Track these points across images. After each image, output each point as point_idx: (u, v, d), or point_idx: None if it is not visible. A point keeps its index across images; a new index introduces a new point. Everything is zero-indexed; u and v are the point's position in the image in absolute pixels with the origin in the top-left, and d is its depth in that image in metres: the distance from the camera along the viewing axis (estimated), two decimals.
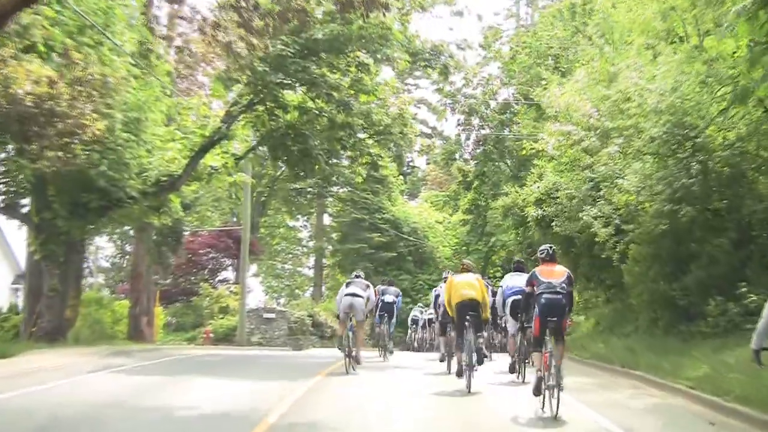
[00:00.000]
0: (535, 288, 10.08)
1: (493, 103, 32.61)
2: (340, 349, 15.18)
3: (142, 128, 21.58)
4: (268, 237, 58.93)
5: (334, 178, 26.25)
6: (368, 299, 15.67)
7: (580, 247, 20.55)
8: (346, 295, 15.39)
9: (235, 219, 56.17)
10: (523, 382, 13.43)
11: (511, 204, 24.13)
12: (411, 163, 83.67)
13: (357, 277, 16.54)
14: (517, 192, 24.88)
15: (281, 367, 18.18)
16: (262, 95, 20.73)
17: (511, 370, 14.18)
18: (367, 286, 15.99)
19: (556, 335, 9.71)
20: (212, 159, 22.81)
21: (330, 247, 57.14)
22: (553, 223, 19.90)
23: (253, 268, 67.78)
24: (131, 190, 21.36)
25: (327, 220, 61.10)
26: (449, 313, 12.91)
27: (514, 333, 14.21)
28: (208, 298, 42.83)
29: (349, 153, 23.49)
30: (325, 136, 22.11)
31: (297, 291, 65.01)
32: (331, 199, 59.08)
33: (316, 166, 21.18)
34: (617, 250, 17.10)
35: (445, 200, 39.13)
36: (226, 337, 37.15)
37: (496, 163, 31.51)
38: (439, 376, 15.01)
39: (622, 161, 14.23)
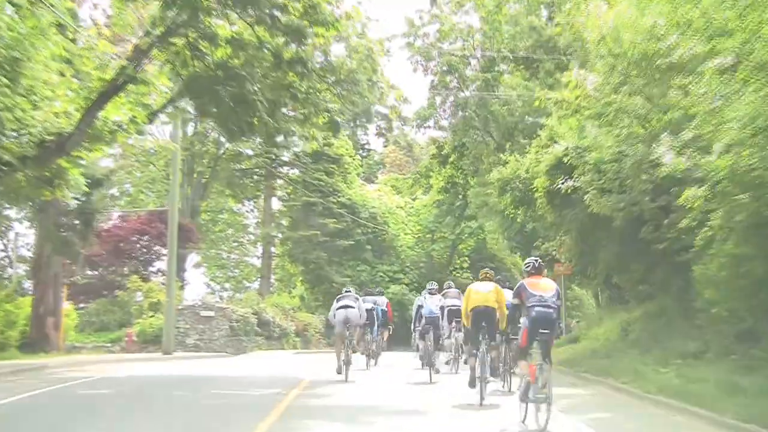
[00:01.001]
0: (524, 300, 9.82)
1: (475, 62, 27.44)
2: (338, 372, 15.51)
3: (20, 71, 15.65)
4: (210, 223, 52.91)
5: (281, 140, 20.33)
6: (360, 311, 16.06)
7: (613, 231, 15.30)
8: (339, 308, 15.80)
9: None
10: (509, 391, 13.26)
11: (511, 176, 18.76)
12: (366, 146, 78.93)
13: (347, 291, 16.95)
14: (517, 161, 19.46)
15: (196, 413, 11.55)
16: (181, 22, 14.98)
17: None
18: (356, 299, 16.37)
19: (543, 353, 9.50)
20: (116, 111, 16.95)
21: (279, 234, 51.33)
22: (587, 197, 14.49)
23: (195, 258, 61.71)
24: (3, 154, 15.49)
25: (276, 204, 55.26)
26: (465, 323, 12.70)
27: (497, 344, 13.61)
28: (137, 293, 36.87)
29: (300, 110, 17.74)
30: (268, 85, 16.44)
31: (244, 283, 59.08)
32: (281, 181, 53.21)
33: (255, 119, 15.45)
34: (698, 239, 11.65)
35: (414, 178, 33.69)
36: (157, 339, 31.36)
37: (478, 133, 26.24)
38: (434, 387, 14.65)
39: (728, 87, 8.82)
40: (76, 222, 25.36)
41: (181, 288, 39.83)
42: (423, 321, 16.54)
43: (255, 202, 54.20)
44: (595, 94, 12.89)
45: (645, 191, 13.37)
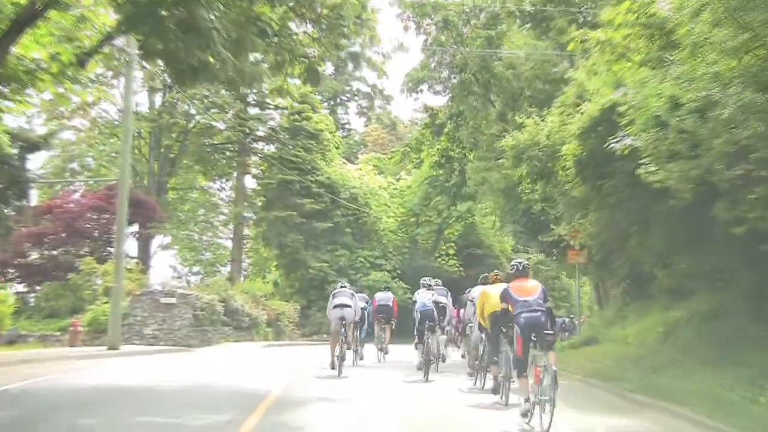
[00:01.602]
0: (510, 306, 9.75)
1: (474, 19, 23.83)
2: (332, 367, 15.51)
3: None
4: (178, 201, 49.07)
5: (249, 91, 16.61)
6: (355, 309, 16.43)
7: (666, 209, 11.79)
8: (335, 306, 16.19)
9: (138, 178, 46.04)
10: (482, 389, 13.36)
11: (529, 143, 15.18)
12: (347, 125, 75.10)
13: (342, 287, 17.25)
14: (537, 124, 15.84)
15: None
16: None
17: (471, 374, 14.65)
18: (352, 295, 16.71)
19: (545, 346, 9.09)
20: (34, 47, 13.20)
21: (252, 215, 47.57)
22: (644, 162, 10.86)
23: (163, 240, 57.84)
24: None
25: (250, 183, 51.51)
26: (483, 323, 12.44)
27: (477, 343, 14.26)
28: (93, 276, 33.09)
29: (272, 54, 14.08)
30: (232, 18, 12.75)
31: (216, 266, 55.22)
32: (255, 158, 49.41)
33: (210, 55, 11.73)
34: None
35: (403, 151, 30.00)
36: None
37: (478, 99, 22.72)
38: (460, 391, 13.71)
39: None
40: (10, 193, 21.53)
41: (142, 271, 36.10)
42: (418, 316, 15.85)
43: (227, 179, 50.31)
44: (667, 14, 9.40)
45: (724, 155, 9.89)
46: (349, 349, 16.98)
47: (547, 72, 21.53)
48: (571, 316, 48.56)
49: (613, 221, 14.60)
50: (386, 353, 20.30)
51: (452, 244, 51.36)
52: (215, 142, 47.44)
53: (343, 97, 76.01)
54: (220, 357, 23.67)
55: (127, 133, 24.36)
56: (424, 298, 16.05)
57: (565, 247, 21.29)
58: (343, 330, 16.09)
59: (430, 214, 48.02)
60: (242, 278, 55.79)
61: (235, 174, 49.16)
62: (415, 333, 16.00)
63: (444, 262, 50.34)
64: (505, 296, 9.91)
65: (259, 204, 47.11)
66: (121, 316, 23.21)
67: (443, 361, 17.19)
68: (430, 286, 17.03)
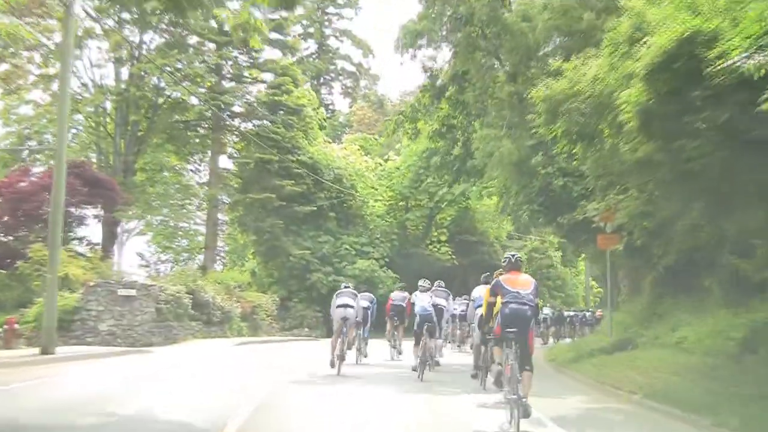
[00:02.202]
0: (500, 298, 9.50)
1: None
2: (331, 365, 15.36)
3: None
4: (147, 183, 45.10)
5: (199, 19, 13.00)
6: (357, 309, 16.57)
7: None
8: (338, 306, 16.27)
9: (102, 157, 42.08)
10: (485, 389, 13.21)
11: (567, 93, 11.50)
12: (331, 106, 71.33)
13: (346, 287, 17.23)
14: (577, 68, 12.05)
15: None
16: None
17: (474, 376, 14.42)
18: (355, 296, 16.85)
19: (521, 356, 9.00)
20: None
21: (227, 197, 43.75)
22: None
23: (133, 226, 53.88)
24: None
25: (226, 163, 47.58)
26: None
27: (478, 343, 14.11)
28: (42, 264, 29.24)
29: None
30: None
31: (188, 255, 51.33)
32: (232, 137, 45.53)
33: None
34: None
35: (396, 120, 26.23)
36: (62, 325, 23.92)
37: (486, 57, 19.00)
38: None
39: None
40: None
41: (102, 259, 32.29)
42: (417, 319, 15.80)
43: (202, 159, 46.29)
44: None
45: None
46: (349, 349, 16.86)
47: (569, 22, 17.86)
48: (591, 310, 45.57)
49: (682, 193, 11.01)
50: (400, 352, 20.29)
51: (444, 230, 47.83)
52: (187, 119, 43.47)
53: (327, 77, 72.48)
54: (182, 360, 19.99)
55: (62, 93, 20.53)
56: (423, 301, 15.97)
57: (592, 231, 17.79)
58: (344, 330, 16.10)
59: (421, 197, 44.41)
60: (220, 267, 52.12)
61: (209, 153, 45.09)
62: (413, 335, 16.05)
63: (435, 249, 46.80)
64: (495, 288, 9.71)
65: (235, 186, 43.29)
66: (56, 313, 19.37)
67: (437, 364, 16.95)
68: (426, 288, 17.03)
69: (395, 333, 20.51)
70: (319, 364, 16.29)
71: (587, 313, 39.59)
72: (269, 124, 41.41)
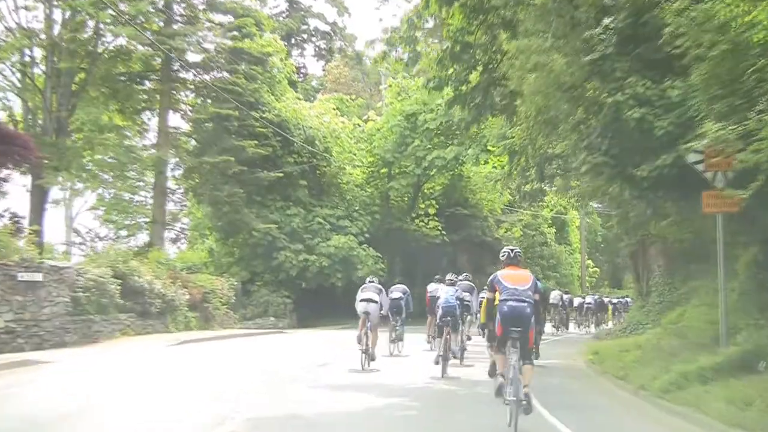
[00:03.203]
0: (498, 294, 9.22)
1: None
2: (359, 343, 15.51)
3: None
4: (86, 145, 38.23)
5: None
6: (382, 304, 16.39)
7: None
8: (361, 300, 16.25)
9: (31, 115, 35.16)
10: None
11: None
12: (303, 70, 64.94)
13: (371, 281, 17.03)
14: None
15: None
16: None
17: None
18: (380, 291, 16.61)
19: (522, 352, 8.86)
20: None
21: (177, 161, 37.09)
22: None
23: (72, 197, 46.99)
24: None
25: (178, 123, 40.64)
26: None
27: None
28: None
29: None
30: None
31: (132, 230, 44.41)
32: (186, 94, 38.71)
33: None
34: None
35: (389, 39, 19.72)
36: None
37: None
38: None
39: None
40: None
41: (15, 234, 25.66)
42: (440, 312, 15.40)
43: (150, 118, 39.21)
44: None
45: None
46: (371, 344, 15.99)
47: None
48: (627, 296, 40.92)
49: None
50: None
51: (433, 202, 41.67)
52: (132, 70, 36.62)
53: (298, 38, 66.06)
54: (85, 376, 13.71)
55: None
56: (447, 293, 15.65)
57: (689, 186, 11.78)
58: (368, 324, 15.79)
59: (407, 163, 38.12)
60: (182, 247, 45.62)
61: (157, 110, 38.08)
62: (435, 327, 16.46)
63: (423, 224, 40.71)
64: (492, 284, 9.41)
65: (189, 149, 36.71)
66: None
67: (460, 361, 16.43)
68: (453, 282, 16.70)
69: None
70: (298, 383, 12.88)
71: (628, 300, 36.79)
72: (229, 74, 34.84)
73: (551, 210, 59.26)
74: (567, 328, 34.44)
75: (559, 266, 58.49)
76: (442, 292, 15.83)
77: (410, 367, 16.49)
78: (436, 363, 14.93)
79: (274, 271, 33.99)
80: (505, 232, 48.23)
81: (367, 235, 36.72)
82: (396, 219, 40.15)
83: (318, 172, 37.62)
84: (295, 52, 63.22)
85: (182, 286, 26.05)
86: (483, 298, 11.21)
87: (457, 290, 16.01)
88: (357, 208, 37.93)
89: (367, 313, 15.85)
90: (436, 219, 40.97)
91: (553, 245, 58.78)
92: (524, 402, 8.53)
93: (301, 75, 62.14)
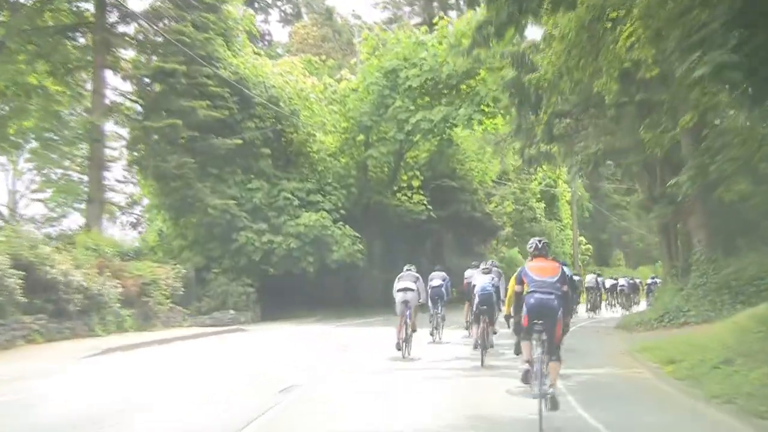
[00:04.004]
0: (525, 286, 9.06)
1: None
2: (397, 348, 15.21)
3: None
4: (9, 113, 32.56)
5: None
6: (419, 292, 16.07)
7: None
8: (398, 290, 16.03)
9: None
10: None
11: None
12: (267, 37, 59.54)
13: (408, 270, 16.60)
14: None
15: None
16: None
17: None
18: (417, 279, 16.24)
19: (548, 347, 8.65)
20: None
21: (121, 128, 31.54)
22: None
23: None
24: None
25: (117, 83, 34.91)
26: None
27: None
28: None
29: None
30: None
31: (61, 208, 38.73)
32: (126, 52, 32.97)
33: None
34: None
35: None
36: None
37: None
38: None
39: None
40: None
41: None
42: (477, 300, 15.09)
43: (87, 76, 33.41)
44: None
45: None
46: (414, 331, 15.87)
47: None
48: (654, 276, 38.11)
49: None
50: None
51: (417, 173, 36.55)
52: (63, 23, 30.90)
53: (262, 2, 60.61)
54: None
55: None
56: (483, 281, 14.86)
57: None
58: (408, 313, 15.57)
59: (387, 127, 32.93)
60: (136, 232, 40.05)
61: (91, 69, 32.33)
62: (472, 315, 16.62)
63: (406, 198, 35.62)
64: (520, 276, 9.17)
65: (131, 113, 31.12)
66: None
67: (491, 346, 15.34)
68: (489, 270, 15.48)
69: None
70: None
71: (658, 280, 34.78)
72: (176, 22, 29.33)
73: (540, 183, 55.03)
74: (600, 310, 34.01)
75: (550, 243, 53.78)
76: (479, 279, 15.22)
77: (450, 355, 15.96)
78: (475, 348, 14.99)
79: (233, 256, 28.80)
80: (496, 206, 43.49)
81: (342, 212, 31.60)
82: (375, 193, 35.03)
83: (284, 139, 32.33)
84: (258, 18, 57.78)
85: (113, 277, 20.71)
86: (506, 288, 11.46)
87: (493, 278, 15.16)
88: (330, 180, 32.71)
89: (405, 303, 15.82)
90: (421, 192, 35.92)
91: (543, 221, 54.23)
92: (550, 397, 8.40)
93: (266, 42, 56.96)
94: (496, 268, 16.67)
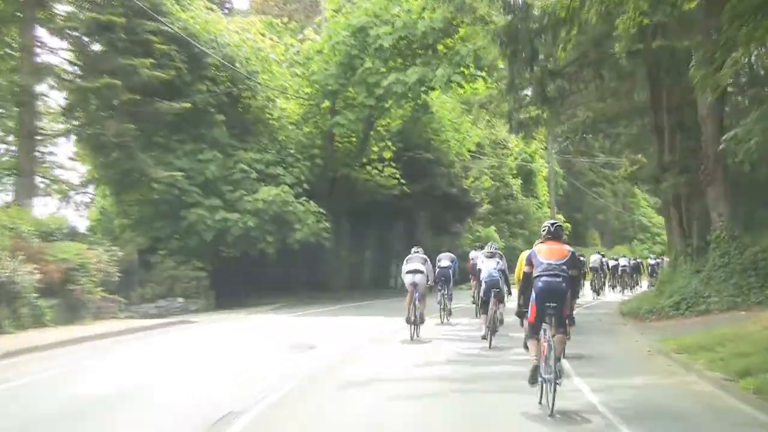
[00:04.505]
0: (534, 269, 8.95)
1: None
2: (407, 322, 15.60)
3: None
4: None
5: None
6: (427, 273, 16.29)
7: None
8: (407, 272, 16.20)
9: None
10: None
11: None
12: (228, 5, 55.69)
13: (415, 252, 16.81)
14: None
15: None
16: None
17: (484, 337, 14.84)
18: (425, 260, 16.44)
19: (556, 323, 8.65)
20: None
21: (48, 87, 27.74)
22: None
23: None
24: None
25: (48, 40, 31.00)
26: None
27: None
28: None
29: None
30: None
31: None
32: (60, 8, 29.10)
33: None
34: None
35: None
36: None
37: None
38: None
39: None
40: None
41: None
42: (483, 286, 15.33)
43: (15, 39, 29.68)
44: None
45: None
46: (422, 322, 16.02)
47: None
48: (656, 256, 37.72)
49: None
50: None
51: (389, 143, 33.39)
52: None
53: None
54: None
55: None
56: (489, 266, 15.10)
57: None
58: (417, 295, 15.62)
59: (355, 92, 29.72)
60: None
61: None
62: (479, 302, 16.41)
63: (377, 171, 32.43)
64: (529, 258, 9.13)
65: (65, 74, 27.41)
66: None
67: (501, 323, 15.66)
68: (493, 254, 15.60)
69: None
70: None
71: (660, 260, 35.02)
72: None
73: (515, 159, 52.55)
74: (604, 292, 33.68)
75: (527, 222, 51.35)
76: (484, 264, 15.30)
77: (459, 337, 16.20)
78: (484, 337, 14.87)
79: (182, 236, 25.62)
80: (473, 181, 40.56)
81: (305, 186, 28.49)
82: (342, 165, 31.88)
83: (240, 104, 29.02)
84: None
85: (29, 261, 17.29)
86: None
87: (498, 262, 15.06)
88: (292, 150, 29.55)
89: (414, 284, 15.85)
90: (393, 165, 32.78)
91: (520, 198, 51.65)
92: (558, 383, 8.26)
93: (225, 10, 53.34)
94: (498, 252, 16.23)
